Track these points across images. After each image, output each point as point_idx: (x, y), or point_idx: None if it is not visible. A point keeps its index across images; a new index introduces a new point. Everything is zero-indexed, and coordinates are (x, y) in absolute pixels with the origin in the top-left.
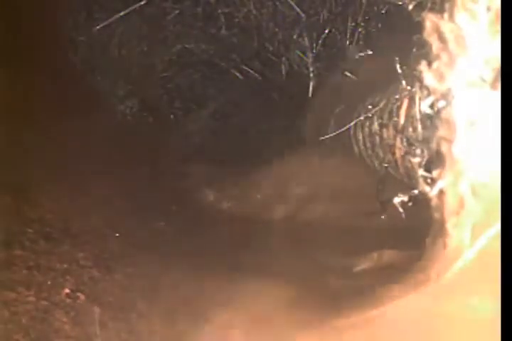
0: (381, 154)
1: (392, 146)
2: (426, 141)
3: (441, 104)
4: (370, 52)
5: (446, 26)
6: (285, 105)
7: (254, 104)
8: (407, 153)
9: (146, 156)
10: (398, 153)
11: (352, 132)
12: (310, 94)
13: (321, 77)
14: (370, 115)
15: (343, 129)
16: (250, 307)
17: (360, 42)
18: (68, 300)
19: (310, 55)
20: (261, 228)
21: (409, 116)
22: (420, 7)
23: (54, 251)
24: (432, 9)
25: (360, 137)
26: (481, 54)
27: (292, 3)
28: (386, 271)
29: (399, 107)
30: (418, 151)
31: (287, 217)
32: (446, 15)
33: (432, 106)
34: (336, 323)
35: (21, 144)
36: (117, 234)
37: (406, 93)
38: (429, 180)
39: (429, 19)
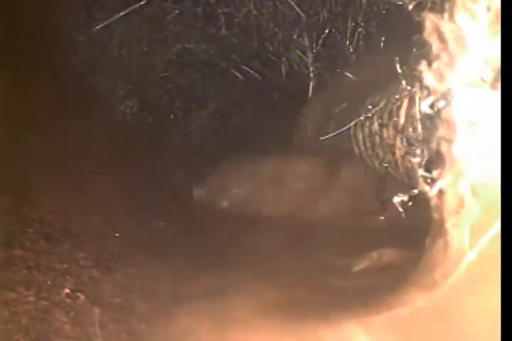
0: (381, 154)
1: (392, 146)
2: (426, 141)
3: (441, 104)
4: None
5: (446, 26)
6: (285, 105)
7: (254, 104)
8: (407, 153)
9: (146, 156)
10: (398, 153)
11: (352, 132)
12: (310, 94)
13: (321, 77)
14: (370, 115)
15: (343, 129)
16: (250, 307)
17: (360, 43)
18: (68, 300)
19: (310, 55)
20: (261, 228)
21: (409, 116)
22: (420, 7)
23: (54, 251)
24: (431, 9)
25: (360, 137)
26: (481, 54)
27: (292, 3)
28: (386, 270)
29: (399, 107)
30: (418, 151)
31: (287, 216)
32: (446, 15)
33: (431, 106)
34: (336, 323)
35: (21, 144)
36: (117, 234)
37: (406, 93)
38: (429, 180)
39: (429, 19)
